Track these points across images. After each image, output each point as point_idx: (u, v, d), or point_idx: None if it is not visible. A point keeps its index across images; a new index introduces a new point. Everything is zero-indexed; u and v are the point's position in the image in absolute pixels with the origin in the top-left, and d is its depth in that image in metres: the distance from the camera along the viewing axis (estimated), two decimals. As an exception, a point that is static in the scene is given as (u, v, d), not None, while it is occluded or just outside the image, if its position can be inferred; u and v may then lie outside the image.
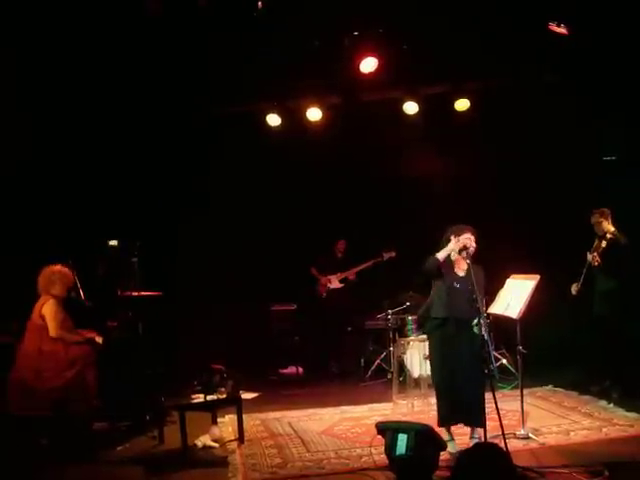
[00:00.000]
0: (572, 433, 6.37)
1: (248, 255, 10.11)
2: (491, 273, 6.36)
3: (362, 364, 9.84)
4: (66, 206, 8.74)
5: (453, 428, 6.09)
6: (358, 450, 6.17)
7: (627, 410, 6.91)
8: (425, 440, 5.27)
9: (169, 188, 9.82)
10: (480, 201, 9.67)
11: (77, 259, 7.37)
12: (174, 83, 8.66)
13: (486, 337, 5.51)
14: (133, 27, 7.41)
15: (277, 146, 9.92)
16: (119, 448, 6.55)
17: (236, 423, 6.69)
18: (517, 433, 6.24)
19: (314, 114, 9.72)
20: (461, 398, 5.87)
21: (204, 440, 6.45)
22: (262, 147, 9.94)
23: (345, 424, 7.21)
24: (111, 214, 8.90)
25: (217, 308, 9.91)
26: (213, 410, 6.63)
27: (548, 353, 9.00)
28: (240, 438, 6.59)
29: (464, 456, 4.97)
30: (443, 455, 5.49)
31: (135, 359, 7.33)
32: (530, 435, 6.21)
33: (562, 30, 7.58)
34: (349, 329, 10.45)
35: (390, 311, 9.13)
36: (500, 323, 7.71)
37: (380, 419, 6.44)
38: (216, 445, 6.46)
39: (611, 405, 7.20)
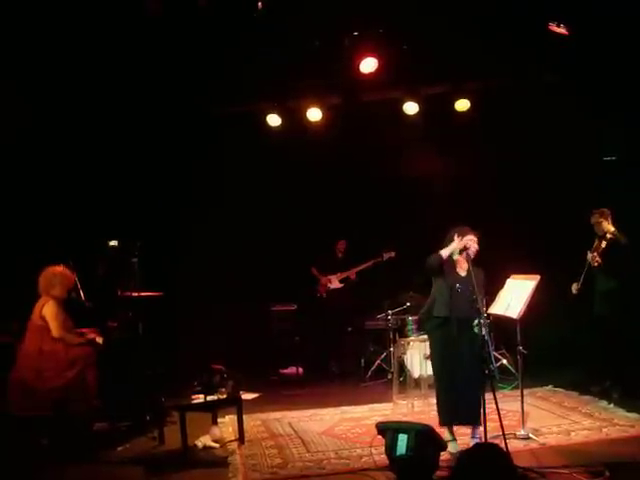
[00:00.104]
0: (572, 433, 6.37)
1: (248, 255, 10.11)
2: (491, 273, 6.37)
3: (362, 364, 9.84)
4: (66, 206, 8.75)
5: (454, 428, 6.09)
6: (358, 450, 6.17)
7: (628, 410, 6.91)
8: (425, 440, 5.27)
9: (169, 188, 9.83)
10: (480, 201, 9.67)
11: (77, 259, 7.37)
12: (174, 83, 8.66)
13: (486, 337, 5.52)
14: (133, 27, 7.41)
15: (277, 146, 9.93)
16: (119, 448, 6.55)
17: (236, 423, 6.68)
18: (517, 433, 6.23)
19: (314, 114, 9.72)
20: (461, 398, 5.87)
21: (204, 440, 6.45)
22: (262, 147, 9.95)
23: (345, 424, 7.21)
24: (111, 214, 8.90)
25: (217, 308, 9.92)
26: (213, 410, 6.63)
27: (548, 353, 9.00)
28: (240, 438, 6.59)
29: (464, 456, 4.97)
30: (443, 455, 5.50)
31: (135, 359, 7.32)
32: (530, 435, 6.21)
33: (562, 30, 7.58)
34: (349, 329, 10.44)
35: (390, 311, 9.13)
36: (500, 323, 7.71)
37: (380, 419, 6.45)
38: (216, 445, 6.46)
39: (611, 405, 7.20)
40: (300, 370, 10.07)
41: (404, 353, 8.12)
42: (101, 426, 7.04)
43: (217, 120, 9.87)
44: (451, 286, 6.02)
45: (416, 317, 8.15)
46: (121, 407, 7.19)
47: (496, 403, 5.30)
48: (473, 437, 6.08)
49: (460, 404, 5.91)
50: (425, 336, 7.07)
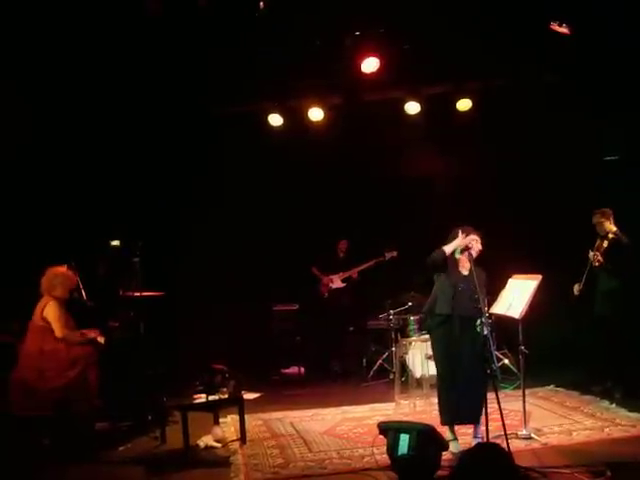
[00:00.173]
0: (574, 433, 6.36)
1: (250, 255, 10.11)
2: (493, 273, 6.37)
3: (364, 364, 9.84)
4: (68, 206, 8.75)
5: (456, 428, 6.09)
6: (360, 450, 6.16)
7: (629, 410, 6.90)
8: (427, 440, 5.27)
9: (171, 188, 9.83)
10: (481, 201, 9.67)
11: (79, 259, 7.38)
12: (175, 83, 8.67)
13: (488, 337, 5.52)
14: (133, 27, 7.41)
15: (278, 146, 9.93)
16: (121, 448, 6.55)
17: (238, 423, 6.69)
18: (519, 433, 6.23)
19: (316, 114, 9.72)
20: (463, 397, 5.87)
21: (206, 440, 6.45)
22: (263, 147, 9.95)
23: (347, 424, 7.21)
24: (113, 214, 8.91)
25: (219, 308, 9.92)
26: (215, 410, 6.63)
27: (550, 353, 9.01)
28: (242, 438, 6.59)
29: (466, 456, 4.97)
30: (445, 455, 5.50)
31: (137, 359, 7.33)
32: (532, 435, 6.21)
33: (564, 30, 7.58)
34: (351, 329, 10.43)
35: (392, 311, 9.11)
36: (502, 323, 7.70)
37: (382, 419, 6.46)
38: (218, 445, 6.46)
39: (613, 405, 7.19)
40: (302, 370, 10.08)
41: (406, 353, 8.13)
42: (102, 426, 7.04)
43: (218, 120, 9.88)
44: (454, 284, 6.03)
45: (418, 317, 8.18)
46: (123, 407, 7.19)
47: (498, 403, 5.30)
48: (475, 437, 6.09)
49: (462, 404, 5.91)
50: (427, 336, 7.06)
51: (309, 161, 10.24)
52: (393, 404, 7.92)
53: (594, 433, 6.34)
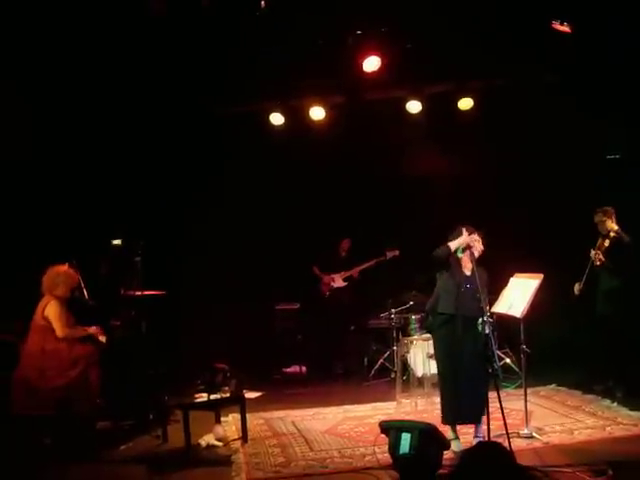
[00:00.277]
0: (576, 432, 6.37)
1: (252, 254, 10.10)
2: (493, 272, 6.37)
3: (365, 363, 9.84)
4: (70, 205, 8.76)
5: (458, 427, 6.09)
6: (362, 449, 6.17)
7: (631, 409, 6.90)
8: (428, 439, 5.27)
9: (172, 188, 9.83)
10: (483, 200, 9.67)
11: (81, 258, 7.38)
12: (178, 83, 8.66)
13: (490, 336, 5.52)
14: (137, 27, 7.41)
15: (280, 145, 9.93)
16: (122, 447, 6.55)
17: (240, 422, 6.69)
18: (521, 432, 6.23)
19: (317, 113, 9.72)
20: (465, 397, 5.88)
21: (208, 439, 6.46)
22: (265, 146, 9.95)
23: (348, 423, 7.21)
24: (115, 214, 8.91)
25: (220, 307, 9.91)
26: (217, 409, 6.63)
27: (551, 352, 9.02)
28: (244, 437, 6.59)
29: (466, 455, 4.96)
30: (447, 454, 5.49)
31: (138, 358, 7.34)
32: (534, 434, 6.21)
33: (565, 28, 7.58)
34: (352, 328, 10.43)
35: (393, 310, 9.11)
36: (504, 322, 7.71)
37: (383, 418, 6.46)
38: (220, 444, 6.47)
39: (615, 404, 7.19)
40: (303, 369, 10.07)
41: (407, 352, 8.12)
42: (104, 425, 7.05)
43: (220, 119, 9.88)
44: (458, 284, 6.04)
45: (419, 316, 8.18)
46: (124, 406, 7.20)
47: (500, 402, 5.30)
48: (476, 436, 6.09)
49: (463, 403, 5.92)
50: (428, 335, 7.06)
51: (311, 160, 10.23)
52: (394, 403, 7.93)
53: (596, 432, 6.35)
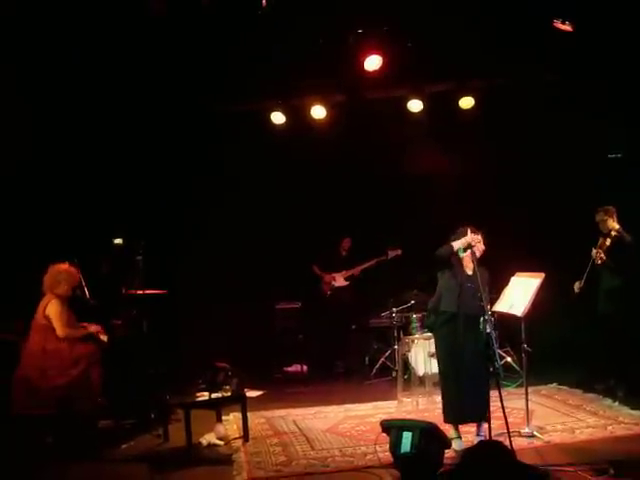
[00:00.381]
0: (577, 431, 6.36)
1: (253, 253, 10.10)
2: (495, 271, 6.37)
3: (367, 362, 9.85)
4: (72, 205, 8.76)
5: (460, 425, 6.09)
6: (363, 448, 6.17)
7: (632, 408, 6.89)
8: (430, 438, 5.26)
9: (173, 187, 9.83)
10: (483, 199, 9.68)
11: (82, 257, 7.38)
12: (178, 82, 8.67)
13: (491, 335, 5.52)
14: (137, 27, 7.41)
15: (281, 144, 9.93)
16: (124, 446, 6.56)
17: (241, 421, 6.69)
18: (522, 431, 6.23)
19: (318, 112, 9.71)
20: (467, 396, 5.89)
21: (209, 438, 6.46)
22: (266, 145, 9.96)
23: (350, 422, 7.21)
24: (116, 213, 8.92)
25: (221, 306, 9.91)
26: (218, 408, 6.64)
27: (552, 351, 9.03)
28: (245, 436, 6.59)
29: (467, 454, 4.97)
30: (448, 453, 5.49)
31: (140, 357, 7.35)
32: (535, 433, 6.21)
33: (567, 27, 7.57)
34: (353, 327, 10.44)
35: (395, 309, 9.11)
36: (505, 321, 7.72)
37: (385, 417, 6.46)
38: (221, 443, 6.47)
39: (616, 403, 7.19)
40: (304, 368, 10.06)
41: (408, 351, 8.13)
42: (105, 424, 7.05)
43: (221, 119, 9.88)
44: (460, 283, 6.05)
45: (420, 315, 8.17)
46: (125, 405, 7.21)
47: (501, 401, 5.30)
48: (478, 435, 6.09)
49: (466, 402, 5.92)
50: (429, 334, 7.07)
51: (312, 159, 10.23)
52: (396, 402, 7.93)
53: (597, 431, 6.35)
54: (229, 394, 6.55)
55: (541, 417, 6.89)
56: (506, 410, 5.37)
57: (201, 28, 7.61)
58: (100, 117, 8.77)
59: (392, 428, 5.44)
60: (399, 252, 10.19)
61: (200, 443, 6.39)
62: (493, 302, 6.62)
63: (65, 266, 6.83)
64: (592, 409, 7.12)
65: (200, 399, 6.47)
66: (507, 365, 8.91)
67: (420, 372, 7.91)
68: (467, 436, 6.13)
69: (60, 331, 6.56)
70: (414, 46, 8.31)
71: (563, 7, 7.53)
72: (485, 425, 5.68)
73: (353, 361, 10.23)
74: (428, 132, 9.87)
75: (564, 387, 8.24)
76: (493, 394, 5.52)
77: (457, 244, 6.06)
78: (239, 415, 6.80)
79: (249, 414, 6.76)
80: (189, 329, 9.67)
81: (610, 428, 6.39)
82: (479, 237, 6.10)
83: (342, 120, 9.86)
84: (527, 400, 6.41)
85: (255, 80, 8.80)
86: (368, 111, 9.82)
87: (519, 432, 6.19)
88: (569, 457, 5.56)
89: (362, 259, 10.41)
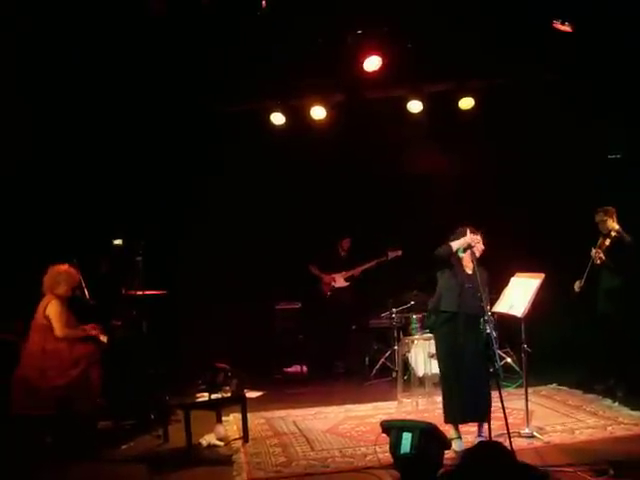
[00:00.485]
0: (577, 432, 6.36)
1: (252, 254, 10.10)
2: (495, 271, 6.37)
3: (366, 363, 9.83)
4: (71, 205, 8.76)
5: (460, 426, 6.09)
6: (363, 449, 6.16)
7: (632, 409, 6.89)
8: (430, 439, 5.26)
9: (173, 188, 9.82)
10: (483, 199, 9.67)
11: (82, 258, 7.38)
12: (178, 82, 8.66)
13: (492, 335, 5.52)
14: (137, 27, 7.41)
15: (281, 145, 9.93)
16: (123, 447, 6.56)
17: (241, 422, 6.69)
18: (522, 432, 6.23)
19: (318, 112, 9.71)
20: (468, 396, 5.89)
21: (209, 439, 6.46)
22: (266, 146, 9.95)
23: (350, 423, 7.21)
24: (115, 213, 8.91)
25: (221, 307, 9.90)
26: (218, 409, 6.63)
27: (552, 352, 9.03)
28: (245, 437, 6.59)
29: (467, 455, 4.97)
30: (448, 454, 5.50)
31: (139, 358, 7.34)
32: (535, 434, 6.21)
33: (566, 28, 7.57)
34: (353, 328, 10.42)
35: (394, 310, 9.10)
36: (504, 322, 7.71)
37: (385, 418, 6.46)
38: (221, 444, 6.47)
39: (616, 404, 7.19)
40: (304, 368, 10.07)
41: (408, 351, 8.12)
42: (105, 424, 7.05)
43: (220, 119, 9.87)
44: (460, 283, 6.05)
45: (420, 315, 8.17)
46: (125, 405, 7.20)
47: (501, 401, 5.29)
48: (479, 435, 6.09)
49: (467, 402, 5.92)
50: (429, 334, 7.06)
51: (311, 160, 10.23)
52: (395, 403, 7.93)
53: (597, 432, 6.35)
54: (229, 395, 6.55)
55: (541, 418, 6.89)
56: (506, 411, 5.36)
57: (201, 28, 7.61)
58: (100, 117, 8.76)
59: (392, 429, 5.44)
60: (399, 253, 10.17)
61: (200, 444, 6.38)
62: (493, 302, 6.63)
63: (65, 267, 6.84)
64: (592, 410, 7.12)
65: (200, 400, 6.47)
66: (507, 366, 8.91)
67: (420, 373, 7.90)
68: (467, 437, 6.12)
69: (59, 331, 6.57)
70: (414, 46, 8.30)
71: (563, 7, 7.53)
72: (486, 426, 5.68)
73: (353, 362, 10.21)
74: (428, 132, 9.87)
75: (564, 387, 8.24)
76: (493, 394, 5.53)
77: (456, 244, 6.07)
78: (239, 416, 6.79)
79: (249, 415, 6.76)
80: (189, 329, 9.66)
81: (610, 429, 6.39)
82: (478, 237, 6.11)
83: (342, 120, 9.85)
84: (527, 400, 6.41)
85: (254, 80, 8.80)
86: (368, 111, 9.81)
87: (519, 433, 6.19)
88: (569, 458, 5.55)
89: (361, 259, 10.40)
